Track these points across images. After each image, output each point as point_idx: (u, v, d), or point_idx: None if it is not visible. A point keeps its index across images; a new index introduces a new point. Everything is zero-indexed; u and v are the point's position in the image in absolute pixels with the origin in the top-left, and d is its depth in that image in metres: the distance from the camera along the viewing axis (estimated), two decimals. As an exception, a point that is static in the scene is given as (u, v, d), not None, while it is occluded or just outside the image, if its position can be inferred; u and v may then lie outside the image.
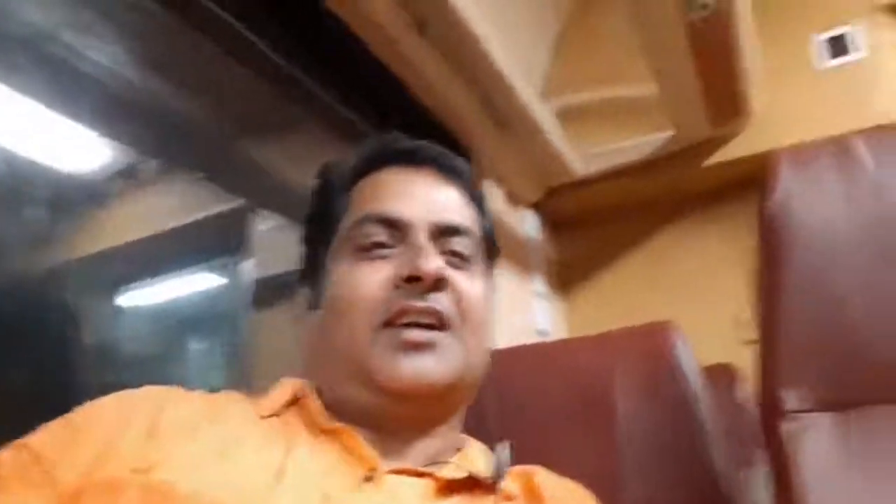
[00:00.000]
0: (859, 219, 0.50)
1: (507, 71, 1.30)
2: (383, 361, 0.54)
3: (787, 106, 1.59)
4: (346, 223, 0.61)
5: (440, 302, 0.56)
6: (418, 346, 0.55)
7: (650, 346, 0.74)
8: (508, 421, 0.70)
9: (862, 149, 0.54)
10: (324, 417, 0.55)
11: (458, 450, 0.60)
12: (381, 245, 0.58)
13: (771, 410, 0.50)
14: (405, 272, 0.56)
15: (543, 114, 1.50)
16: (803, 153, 0.56)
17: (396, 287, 0.56)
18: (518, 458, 0.57)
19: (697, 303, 1.64)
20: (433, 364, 0.55)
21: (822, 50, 1.60)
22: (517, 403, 0.70)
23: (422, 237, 0.58)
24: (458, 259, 0.60)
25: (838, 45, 1.58)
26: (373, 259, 0.58)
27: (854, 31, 1.58)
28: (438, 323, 0.56)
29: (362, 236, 0.59)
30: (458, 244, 0.61)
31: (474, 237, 0.62)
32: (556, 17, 1.80)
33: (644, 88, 1.56)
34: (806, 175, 0.54)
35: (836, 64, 1.58)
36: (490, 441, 0.60)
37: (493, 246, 0.66)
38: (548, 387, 0.71)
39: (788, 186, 0.53)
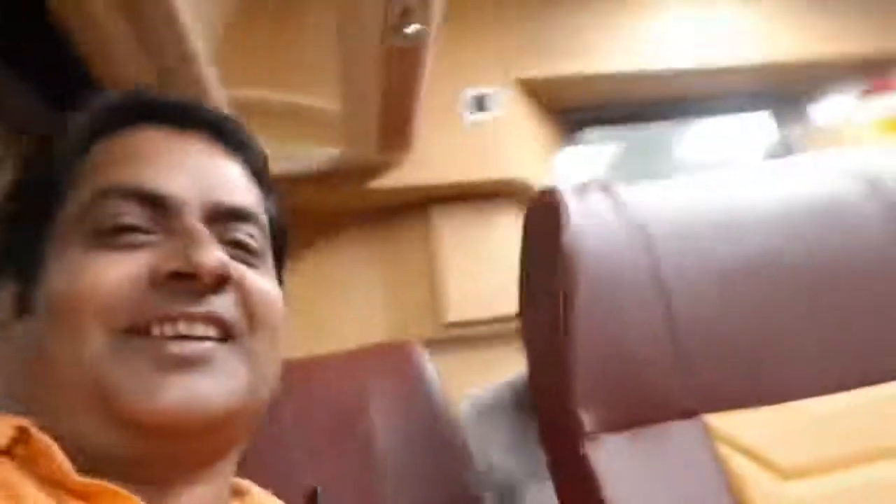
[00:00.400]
0: (635, 254, 0.58)
1: (193, 46, 1.14)
2: (132, 383, 0.40)
3: (438, 147, 1.77)
4: (78, 197, 0.44)
5: (222, 305, 0.43)
6: (188, 363, 0.41)
7: (400, 364, 0.72)
8: (269, 443, 0.60)
9: (624, 193, 0.63)
10: (68, 470, 0.37)
11: (239, 495, 0.47)
12: (133, 229, 0.43)
13: (564, 432, 0.53)
14: (173, 266, 0.42)
15: (221, 99, 1.36)
16: (582, 190, 0.62)
17: (154, 286, 0.42)
18: (283, 483, 0.48)
19: (343, 312, 1.75)
20: (210, 386, 0.41)
21: (469, 104, 1.83)
22: (278, 424, 0.60)
23: (195, 221, 0.44)
24: (242, 252, 0.47)
25: (481, 102, 1.84)
26: (119, 247, 0.43)
27: (494, 93, 1.86)
28: (218, 333, 0.43)
29: (105, 216, 0.43)
30: (244, 232, 0.48)
31: (262, 225, 0.50)
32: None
33: (319, 100, 1.56)
34: (588, 210, 0.60)
35: (478, 118, 1.83)
36: (247, 474, 0.50)
37: (283, 237, 0.55)
38: (304, 406, 0.63)
39: (577, 221, 0.58)
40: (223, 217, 0.47)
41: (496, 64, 1.88)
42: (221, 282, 0.43)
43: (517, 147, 1.85)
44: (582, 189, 0.62)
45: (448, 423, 0.67)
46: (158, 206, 0.44)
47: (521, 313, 0.66)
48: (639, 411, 0.52)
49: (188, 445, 0.42)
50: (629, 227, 0.59)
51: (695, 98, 2.15)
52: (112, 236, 0.43)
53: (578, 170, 2.07)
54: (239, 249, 0.47)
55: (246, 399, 0.44)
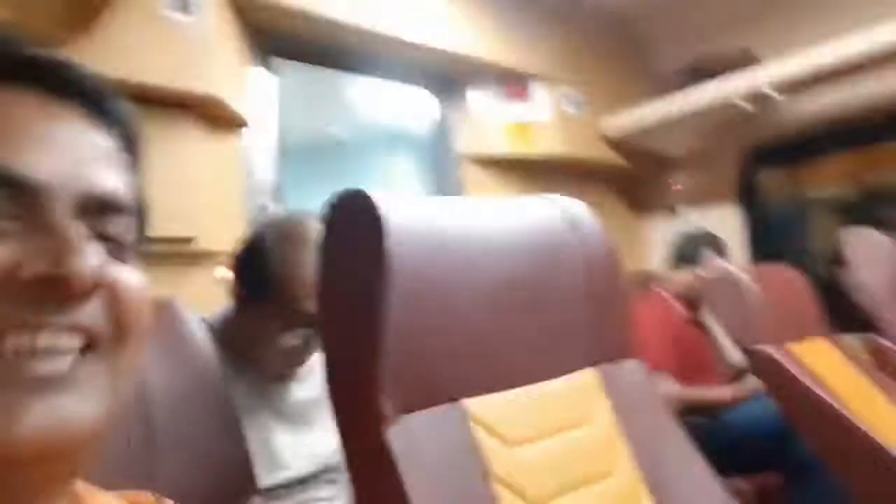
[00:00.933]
0: (437, 262, 0.68)
1: None
2: None
3: (129, 39, 1.55)
4: None
5: (89, 314, 0.38)
6: (50, 383, 0.36)
7: (167, 320, 0.71)
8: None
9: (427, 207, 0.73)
10: None
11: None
12: None
13: (365, 416, 0.62)
14: (39, 269, 0.36)
15: None
16: (395, 201, 0.69)
17: (10, 290, 0.35)
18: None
19: None
20: (75, 407, 0.37)
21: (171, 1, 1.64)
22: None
23: (66, 217, 0.38)
24: (115, 247, 0.42)
25: (185, 3, 1.66)
26: None
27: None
28: (82, 342, 0.38)
29: None
30: (118, 225, 0.42)
31: (133, 213, 0.44)
32: None
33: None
34: (401, 218, 0.68)
35: (179, 19, 1.65)
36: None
37: (145, 217, 0.49)
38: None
39: (396, 229, 0.66)
40: (97, 209, 0.41)
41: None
42: (93, 289, 0.38)
43: (215, 60, 1.73)
44: (395, 200, 0.69)
45: (217, 382, 0.68)
46: (20, 191, 0.37)
47: (322, 301, 0.70)
48: (424, 397, 0.64)
49: (51, 468, 0.38)
50: (433, 239, 0.69)
51: (375, 60, 2.31)
52: None
53: (262, 93, 2.03)
54: (111, 243, 0.41)
55: (108, 415, 0.40)
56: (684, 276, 2.19)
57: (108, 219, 0.41)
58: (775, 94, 2.33)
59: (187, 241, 1.66)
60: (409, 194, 0.78)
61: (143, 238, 0.46)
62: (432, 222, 0.72)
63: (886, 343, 1.52)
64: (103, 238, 0.41)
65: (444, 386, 0.67)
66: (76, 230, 0.38)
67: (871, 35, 2.02)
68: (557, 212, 0.89)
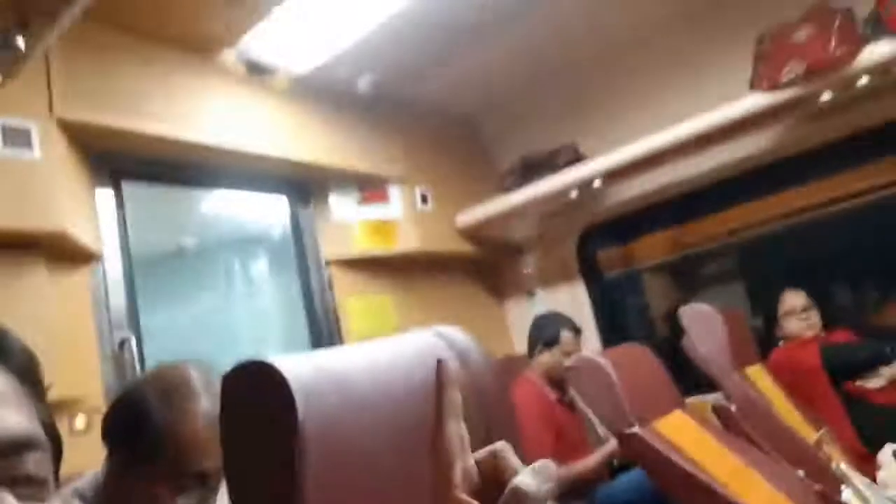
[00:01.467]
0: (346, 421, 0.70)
1: None
2: None
3: None
4: None
5: None
6: None
7: None
8: None
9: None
10: None
11: None
12: None
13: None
14: None
15: None
16: (294, 362, 0.71)
17: None
18: None
19: None
20: None
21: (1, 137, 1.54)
22: None
23: None
24: (28, 488, 0.41)
25: (16, 137, 1.57)
26: None
27: (33, 128, 1.61)
28: None
29: None
30: (30, 462, 0.41)
31: (45, 445, 0.44)
32: None
33: None
34: (304, 380, 0.70)
35: (11, 154, 1.55)
36: None
37: (60, 448, 0.48)
38: None
39: (300, 396, 0.68)
40: (7, 451, 0.40)
41: (36, 98, 1.64)
42: None
43: (59, 194, 1.64)
44: (294, 363, 0.71)
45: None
46: None
47: (229, 476, 0.68)
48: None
49: None
50: (337, 397, 0.71)
51: (225, 172, 2.30)
52: None
53: (109, 216, 1.94)
54: (25, 486, 0.40)
55: None
56: (548, 359, 2.34)
57: (18, 458, 0.40)
58: (600, 184, 2.61)
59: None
60: (304, 354, 0.79)
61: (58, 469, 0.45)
62: (333, 380, 0.74)
63: (727, 405, 1.72)
64: (16, 481, 0.40)
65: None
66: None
67: (677, 130, 2.35)
68: (444, 344, 0.95)
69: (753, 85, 2.15)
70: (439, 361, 0.49)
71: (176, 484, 0.99)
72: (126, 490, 1.03)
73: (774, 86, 2.08)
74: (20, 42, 0.93)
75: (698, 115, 2.32)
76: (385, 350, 0.87)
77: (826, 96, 2.11)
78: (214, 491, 0.99)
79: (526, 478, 0.38)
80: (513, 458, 0.42)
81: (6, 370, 0.44)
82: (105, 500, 1.02)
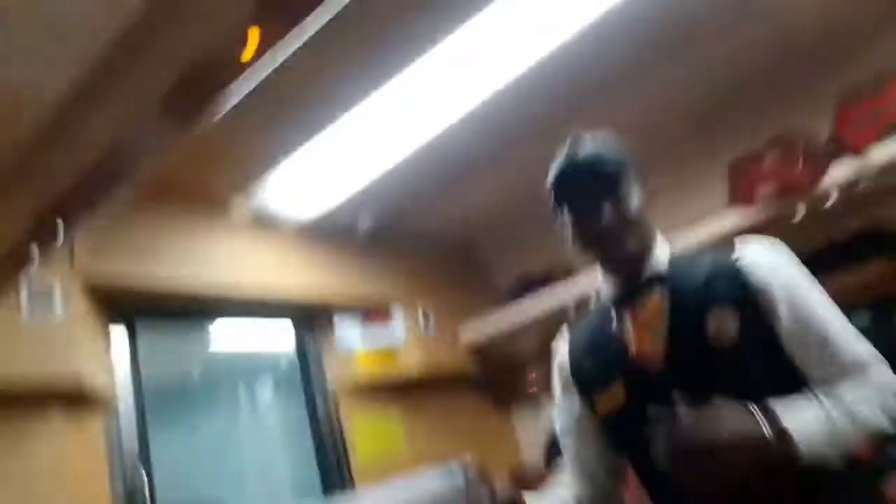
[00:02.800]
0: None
1: None
2: None
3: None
4: None
5: None
6: None
7: None
8: None
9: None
10: None
11: None
12: None
13: None
14: None
15: None
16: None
17: None
18: None
19: None
20: None
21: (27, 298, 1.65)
22: None
23: None
24: None
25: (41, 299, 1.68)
26: None
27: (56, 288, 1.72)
28: None
29: None
30: None
31: None
32: None
33: None
34: None
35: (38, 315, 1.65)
36: None
37: None
38: None
39: None
40: None
41: (60, 257, 1.75)
42: None
43: (73, 345, 1.73)
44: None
45: None
46: None
47: None
48: None
49: None
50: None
51: (233, 309, 2.42)
52: None
53: (122, 353, 2.02)
54: None
55: None
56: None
57: None
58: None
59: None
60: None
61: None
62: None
63: None
64: None
65: None
66: None
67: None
68: (459, 482, 1.01)
69: (731, 201, 2.29)
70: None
71: None
72: None
73: (751, 202, 2.21)
74: (60, 232, 1.05)
75: (685, 230, 2.44)
76: (409, 493, 0.92)
77: (801, 213, 2.23)
78: None
79: None
80: None
81: None
82: None
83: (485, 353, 3.09)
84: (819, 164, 2.12)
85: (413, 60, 1.73)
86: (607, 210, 1.19)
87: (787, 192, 2.14)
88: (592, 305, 1.39)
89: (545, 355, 3.19)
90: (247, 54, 0.74)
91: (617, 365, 1.23)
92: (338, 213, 2.46)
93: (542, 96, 2.02)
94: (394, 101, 1.88)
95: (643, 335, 1.19)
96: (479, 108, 1.99)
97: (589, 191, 1.21)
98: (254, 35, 0.72)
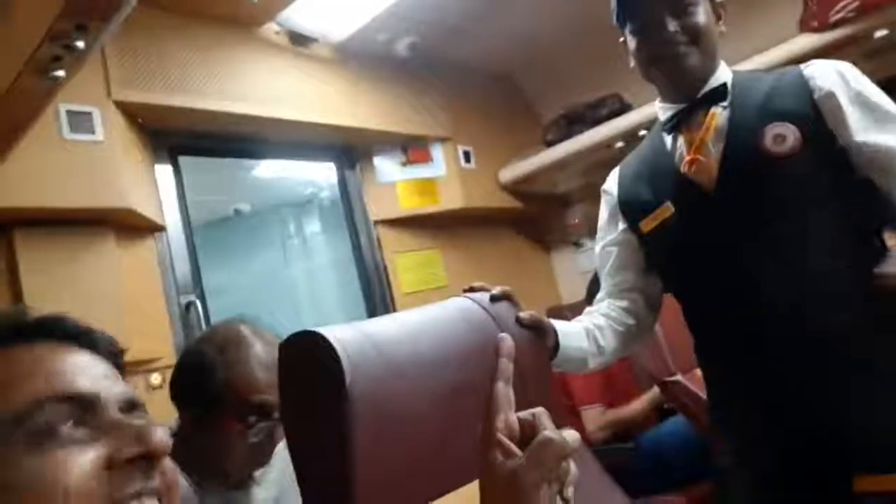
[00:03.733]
0: (390, 388, 0.78)
1: None
2: None
3: (28, 165, 1.55)
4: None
5: (161, 480, 0.52)
6: None
7: None
8: None
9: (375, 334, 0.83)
10: None
11: None
12: (72, 427, 0.50)
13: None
14: (134, 451, 0.50)
15: None
16: (343, 332, 0.79)
17: (115, 473, 0.49)
18: None
19: None
20: None
21: (66, 121, 1.65)
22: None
23: (115, 412, 0.53)
24: None
25: (79, 121, 1.68)
26: (65, 444, 0.48)
27: (93, 111, 1.71)
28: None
29: (43, 422, 0.48)
30: (141, 418, 0.56)
31: (144, 409, 0.58)
32: None
33: None
34: (352, 349, 0.77)
35: (77, 137, 1.66)
36: None
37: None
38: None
39: (349, 363, 0.75)
40: (130, 407, 0.55)
41: (94, 84, 1.73)
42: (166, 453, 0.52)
43: (122, 173, 1.75)
44: (343, 333, 0.79)
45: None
46: (88, 406, 0.51)
47: (289, 437, 0.78)
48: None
49: None
50: (383, 363, 0.79)
51: (274, 141, 2.38)
52: (54, 436, 0.48)
53: (168, 188, 2.06)
54: None
55: None
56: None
57: (136, 414, 0.55)
58: (645, 132, 2.58)
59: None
60: (352, 324, 0.87)
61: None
62: (378, 347, 0.82)
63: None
64: None
65: (415, 492, 0.77)
66: (144, 421, 0.53)
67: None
68: (478, 307, 1.01)
69: (802, 26, 2.08)
70: (502, 338, 0.59)
71: (244, 421, 1.10)
72: (201, 439, 1.15)
73: (824, 26, 2.01)
74: (80, 44, 1.01)
75: (748, 59, 2.26)
76: (426, 318, 0.94)
77: (880, 33, 2.02)
78: (279, 423, 1.10)
79: (554, 434, 0.51)
80: (547, 422, 0.54)
81: (101, 357, 0.57)
82: (182, 452, 1.15)
83: (526, 191, 3.05)
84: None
85: None
86: (671, 22, 1.12)
87: (870, 8, 1.92)
88: (648, 135, 1.32)
89: (587, 195, 3.19)
90: None
91: (667, 183, 1.18)
92: (373, 34, 2.34)
93: None
94: None
95: (697, 152, 1.13)
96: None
97: (653, 1, 1.14)
98: None
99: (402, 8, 2.19)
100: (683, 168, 1.14)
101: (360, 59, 2.46)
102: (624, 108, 2.67)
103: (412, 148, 2.75)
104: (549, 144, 2.85)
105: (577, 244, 3.27)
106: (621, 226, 1.29)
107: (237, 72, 2.08)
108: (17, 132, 1.32)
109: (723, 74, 1.18)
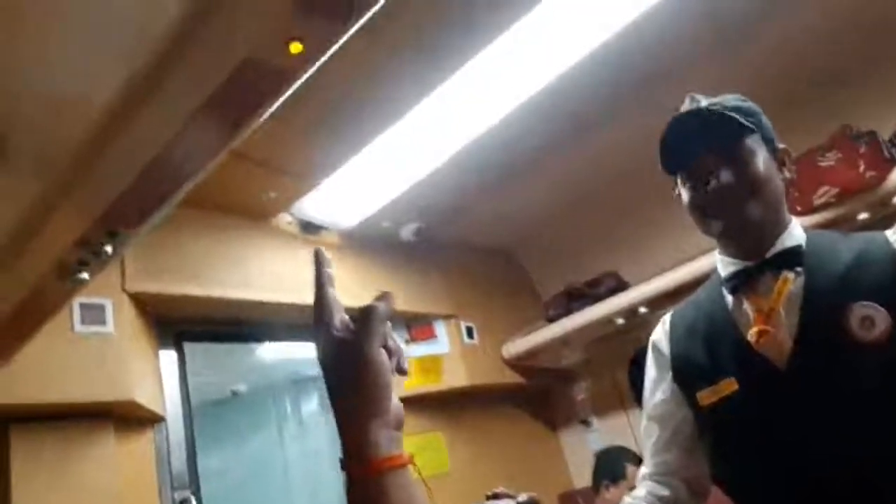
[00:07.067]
0: None
1: None
2: None
3: (36, 361, 1.54)
4: None
5: None
6: None
7: None
8: None
9: None
10: None
11: None
12: None
13: None
14: None
15: None
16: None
17: None
18: None
19: None
20: None
21: (79, 315, 1.66)
22: None
23: None
24: None
25: (92, 314, 1.69)
26: None
27: (107, 304, 1.73)
28: None
29: None
30: None
31: None
32: None
33: None
34: None
35: (89, 330, 1.67)
36: None
37: None
38: None
39: None
40: None
41: (110, 276, 1.77)
42: None
43: (124, 364, 1.73)
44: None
45: None
46: None
47: None
48: None
49: None
50: None
51: (280, 324, 2.39)
52: None
53: (171, 376, 2.02)
54: None
55: None
56: (615, 495, 2.26)
57: None
58: (646, 311, 2.62)
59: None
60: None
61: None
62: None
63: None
64: None
65: None
66: None
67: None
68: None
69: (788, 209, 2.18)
70: (317, 251, 0.61)
71: None
72: None
73: (809, 209, 2.12)
74: (108, 249, 1.05)
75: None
76: None
77: (863, 215, 2.12)
78: None
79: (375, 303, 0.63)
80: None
81: None
82: None
83: (530, 367, 3.02)
84: (882, 164, 2.01)
85: (456, 69, 1.70)
86: (725, 172, 1.03)
87: (850, 193, 2.04)
88: (705, 286, 1.22)
89: (592, 371, 3.15)
90: (293, 57, 0.72)
91: (730, 352, 1.06)
92: (379, 220, 2.44)
93: (584, 96, 1.96)
94: (437, 110, 1.85)
95: (767, 323, 1.01)
96: (519, 109, 1.94)
97: (705, 145, 1.06)
98: (296, 48, 0.71)
99: (407, 196, 2.31)
100: (751, 338, 1.03)
101: (366, 244, 2.55)
102: (621, 286, 2.73)
103: (416, 326, 2.76)
104: (551, 320, 2.87)
105: (586, 422, 3.18)
106: (672, 390, 1.17)
107: (249, 260, 2.14)
108: (31, 331, 1.32)
109: (795, 233, 1.08)
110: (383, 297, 0.65)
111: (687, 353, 1.14)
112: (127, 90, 0.74)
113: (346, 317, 0.63)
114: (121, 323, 1.75)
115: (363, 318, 0.62)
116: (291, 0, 0.67)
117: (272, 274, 2.19)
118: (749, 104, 1.12)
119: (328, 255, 0.67)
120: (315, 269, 0.65)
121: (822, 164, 2.07)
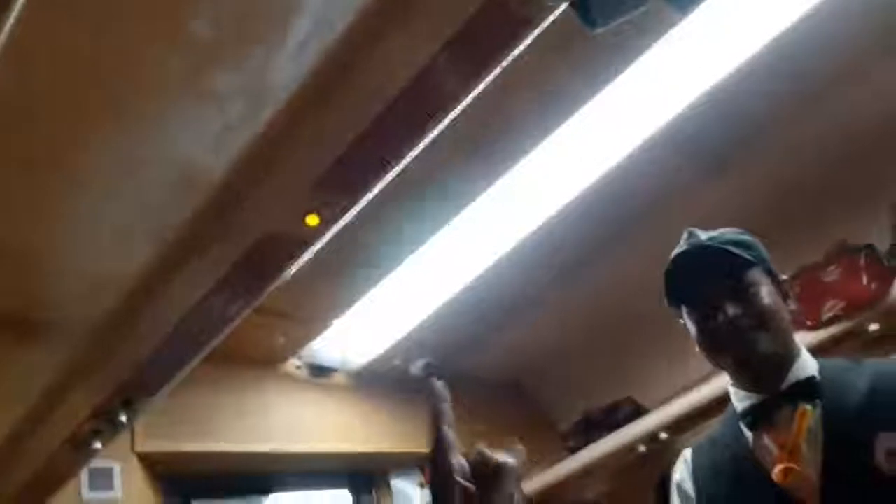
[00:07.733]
0: None
1: None
2: None
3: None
4: None
5: None
6: None
7: None
8: None
9: None
10: None
11: None
12: None
13: None
14: None
15: None
16: None
17: None
18: None
19: None
20: None
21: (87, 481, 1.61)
22: None
23: None
24: None
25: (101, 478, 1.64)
26: None
27: (115, 468, 1.69)
28: None
29: None
30: None
31: None
32: None
33: None
34: None
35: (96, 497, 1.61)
36: None
37: None
38: None
39: None
40: None
41: (120, 438, 1.73)
42: None
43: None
44: None
45: None
46: None
47: None
48: None
49: None
50: None
51: (290, 475, 2.32)
52: None
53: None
54: None
55: None
56: None
57: None
58: (666, 436, 2.54)
59: None
60: None
61: None
62: None
63: None
64: None
65: None
66: None
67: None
68: None
69: (797, 326, 2.17)
70: (432, 384, 0.56)
71: None
72: None
73: (817, 324, 2.11)
74: (123, 418, 1.04)
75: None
76: None
77: (874, 326, 2.11)
78: None
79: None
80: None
81: None
82: None
83: (553, 499, 2.88)
84: (885, 275, 2.03)
85: (462, 208, 1.76)
86: (732, 307, 1.05)
87: (857, 306, 2.04)
88: (721, 420, 1.22)
89: (619, 499, 3.00)
90: (310, 229, 0.75)
91: (756, 491, 1.04)
92: (390, 358, 2.42)
93: (594, 218, 2.02)
94: (444, 247, 1.91)
95: (791, 459, 1.00)
96: (530, 239, 2.00)
97: (709, 280, 1.07)
98: (313, 220, 0.74)
99: (417, 333, 2.31)
100: (776, 477, 1.00)
101: (377, 383, 2.52)
102: (639, 412, 2.66)
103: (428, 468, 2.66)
104: (573, 451, 2.77)
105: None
106: None
107: (259, 411, 2.11)
108: (42, 501, 1.28)
109: (807, 364, 1.09)
110: (514, 451, 0.59)
111: (715, 492, 1.12)
112: (156, 265, 0.77)
113: (463, 461, 0.59)
114: (129, 486, 1.70)
115: (495, 474, 0.57)
116: (311, 178, 0.71)
117: (281, 423, 2.15)
118: (747, 237, 1.16)
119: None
120: (431, 407, 0.60)
121: (826, 279, 2.09)
